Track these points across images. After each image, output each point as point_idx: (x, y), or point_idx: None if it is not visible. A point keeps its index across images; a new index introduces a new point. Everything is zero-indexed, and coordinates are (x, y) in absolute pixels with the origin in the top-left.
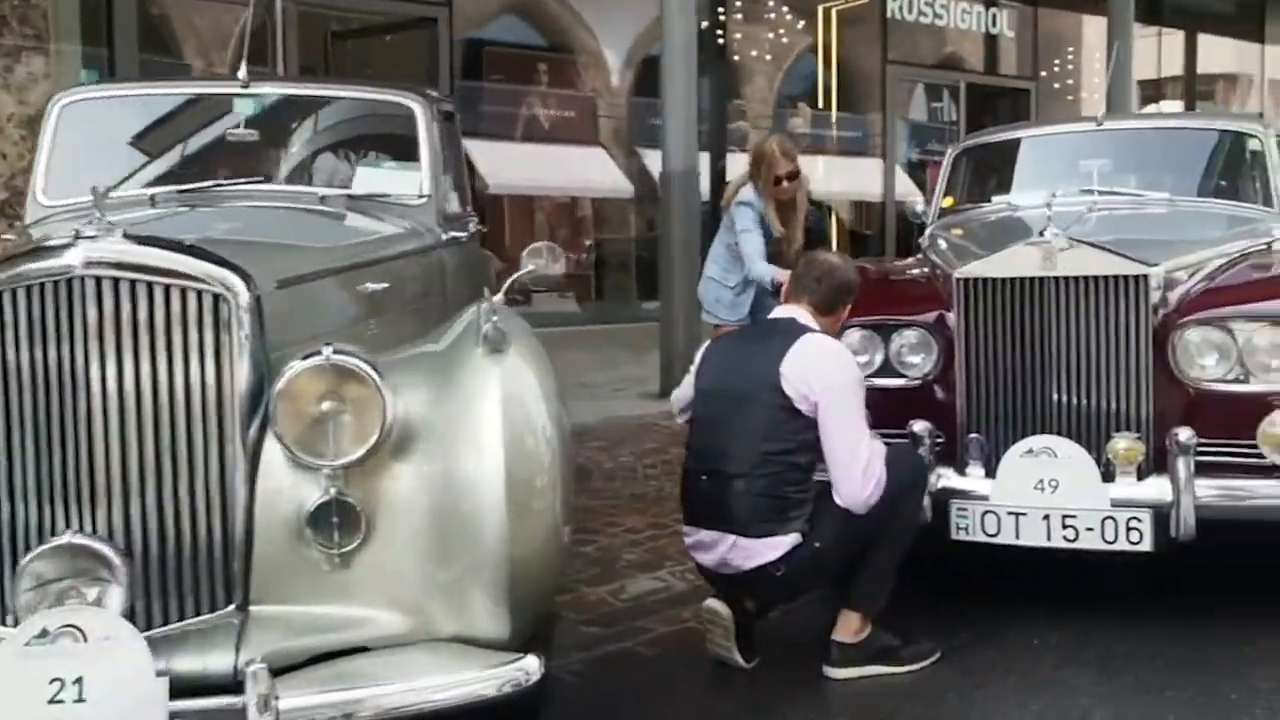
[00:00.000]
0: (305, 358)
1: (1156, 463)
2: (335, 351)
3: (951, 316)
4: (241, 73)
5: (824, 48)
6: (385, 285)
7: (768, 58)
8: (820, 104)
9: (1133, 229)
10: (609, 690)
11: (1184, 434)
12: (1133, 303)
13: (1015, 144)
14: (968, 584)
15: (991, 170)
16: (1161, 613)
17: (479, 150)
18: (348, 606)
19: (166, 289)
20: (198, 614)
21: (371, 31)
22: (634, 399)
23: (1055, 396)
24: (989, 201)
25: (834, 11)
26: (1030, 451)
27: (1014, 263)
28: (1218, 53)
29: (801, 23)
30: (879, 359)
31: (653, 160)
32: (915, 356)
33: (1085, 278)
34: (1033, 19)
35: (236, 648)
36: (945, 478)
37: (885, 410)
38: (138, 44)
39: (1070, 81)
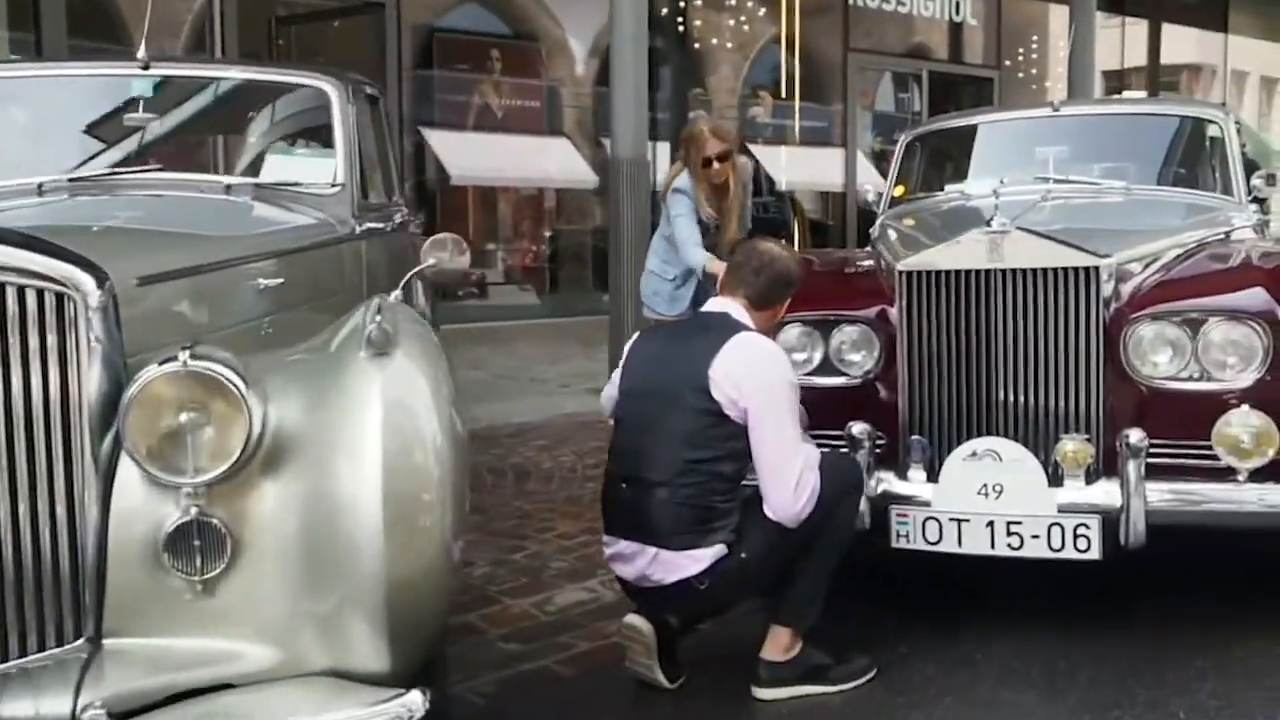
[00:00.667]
0: (161, 363)
1: (1107, 465)
2: (193, 356)
3: (894, 312)
4: (140, 53)
5: (787, 36)
6: (281, 280)
7: (729, 46)
8: (784, 93)
9: (1086, 218)
10: (520, 713)
11: (1134, 435)
12: (1083, 296)
13: (970, 131)
14: (908, 593)
15: (946, 158)
16: (1110, 623)
17: (441, 140)
18: (211, 639)
19: (2, 286)
20: (42, 649)
21: (320, 17)
22: (581, 394)
23: (1002, 396)
24: (942, 190)
25: None
26: (974, 455)
27: (958, 254)
28: (1181, 43)
29: (763, 10)
30: (818, 356)
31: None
32: (856, 354)
33: (1033, 270)
34: (997, 7)
35: (77, 688)
36: (885, 482)
37: (825, 410)
38: (75, 29)
39: (1034, 70)
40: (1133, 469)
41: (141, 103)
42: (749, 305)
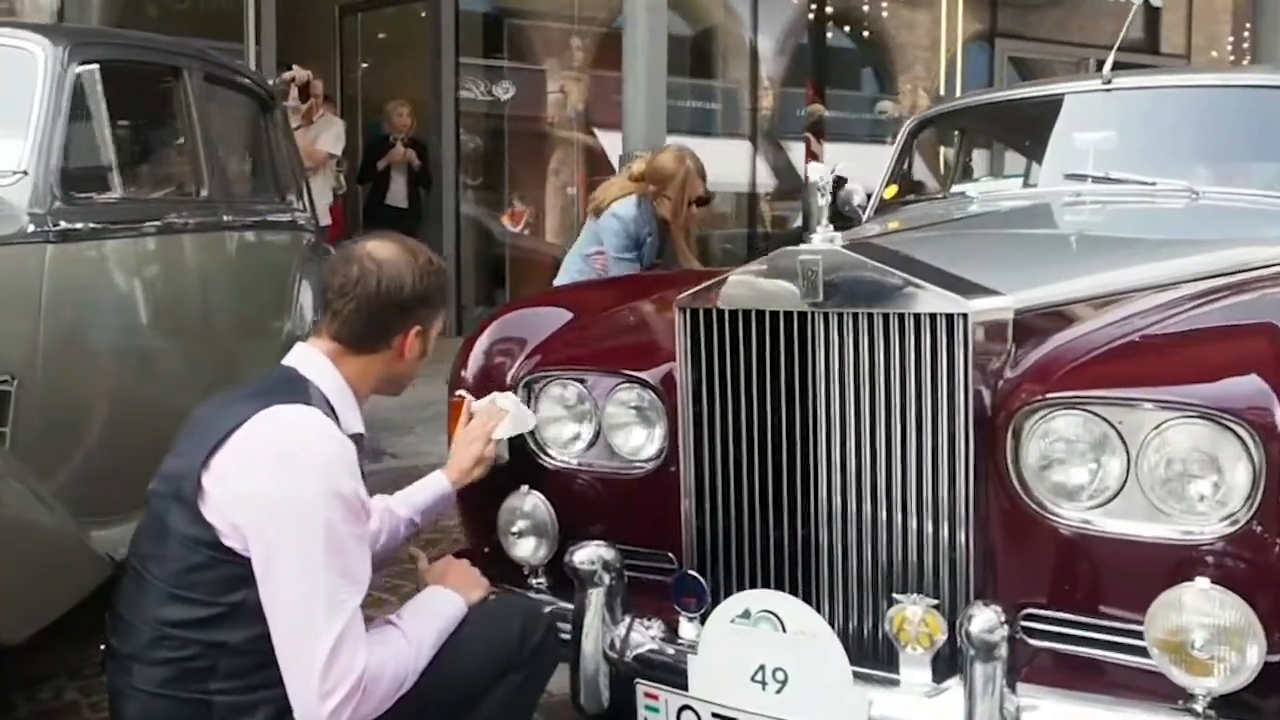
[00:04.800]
0: None
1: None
2: None
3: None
4: None
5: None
6: None
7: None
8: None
9: (1138, 228)
10: None
11: (984, 619)
12: (942, 360)
13: (991, 113)
14: None
15: (963, 148)
16: None
17: (608, 141)
18: None
19: None
20: None
21: None
22: None
23: (823, 513)
24: (948, 190)
25: None
26: (745, 615)
27: (755, 285)
28: None
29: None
30: (588, 432)
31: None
32: (626, 434)
33: (861, 315)
34: None
35: None
36: (641, 636)
37: (598, 515)
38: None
39: (1231, 57)
40: (980, 674)
41: None
42: (340, 348)
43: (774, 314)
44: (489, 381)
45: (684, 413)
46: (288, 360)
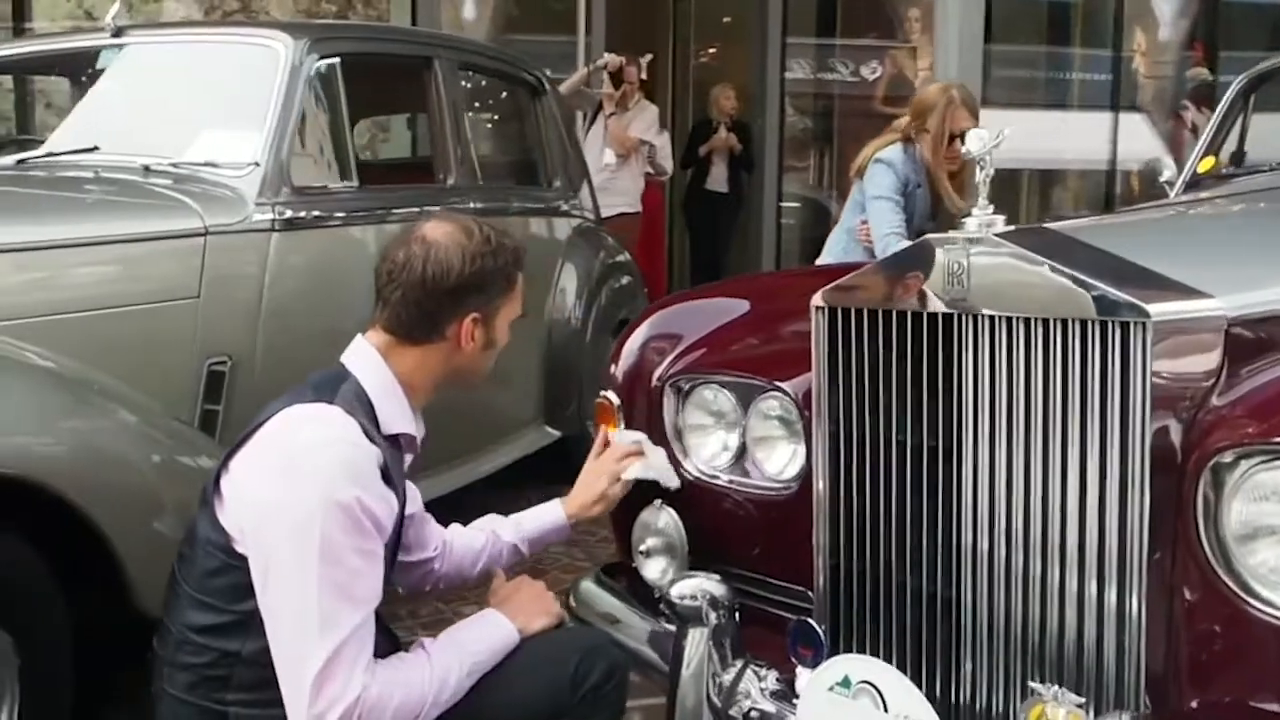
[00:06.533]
0: None
1: None
2: None
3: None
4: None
5: None
6: None
7: None
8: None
9: None
10: None
11: None
12: (1114, 380)
13: None
14: None
15: None
16: None
17: (992, 119)
18: None
19: None
20: None
21: None
22: None
23: (967, 567)
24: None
25: None
26: (845, 684)
27: (894, 277)
28: None
29: None
30: (735, 443)
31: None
32: (769, 450)
33: (1018, 320)
34: None
35: None
36: (751, 686)
37: (729, 540)
38: None
39: None
40: None
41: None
42: (392, 340)
43: (916, 315)
44: (639, 381)
45: (817, 430)
46: (349, 352)
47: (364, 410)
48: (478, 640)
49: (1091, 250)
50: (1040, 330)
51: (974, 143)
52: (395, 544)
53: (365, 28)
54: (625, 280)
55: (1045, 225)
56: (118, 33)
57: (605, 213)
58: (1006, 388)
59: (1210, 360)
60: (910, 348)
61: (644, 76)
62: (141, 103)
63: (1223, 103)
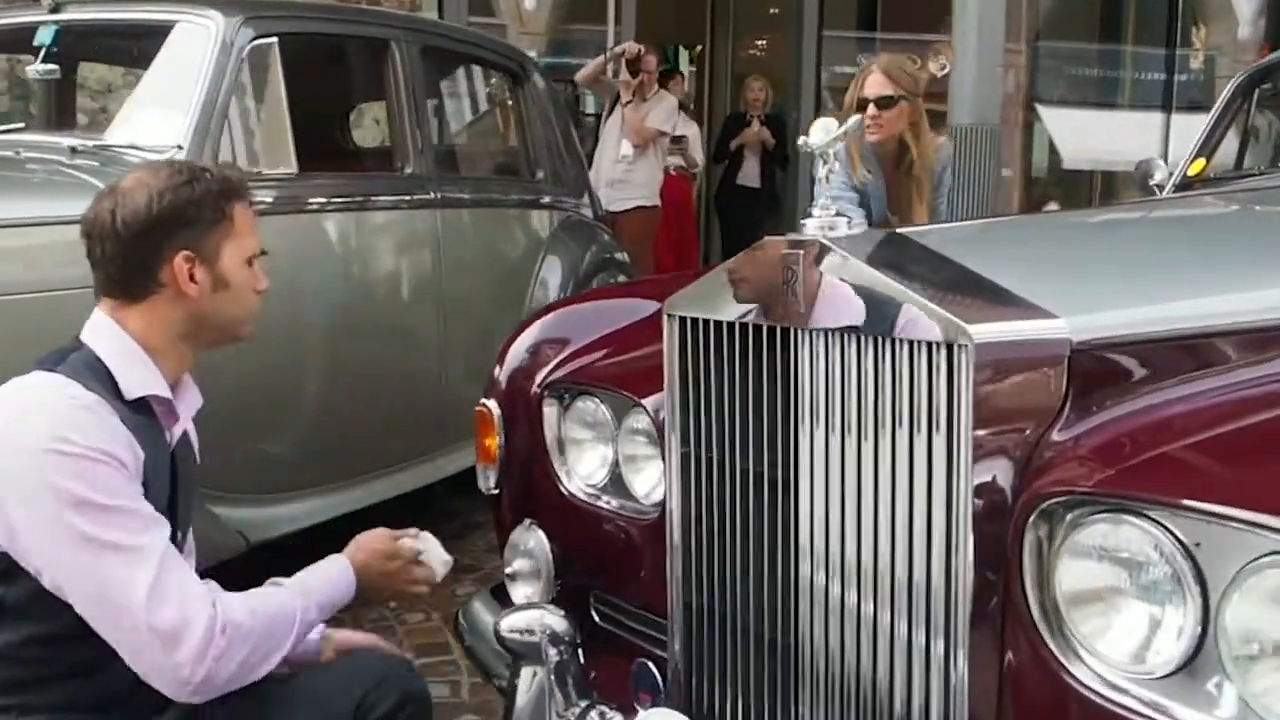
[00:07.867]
0: None
1: None
2: None
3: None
4: None
5: None
6: None
7: None
8: None
9: None
10: None
11: None
12: (940, 407)
13: None
14: None
15: None
16: None
17: (1054, 119)
18: None
19: None
20: None
21: None
22: None
23: (799, 596)
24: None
25: None
26: None
27: (730, 286)
28: None
29: None
30: (611, 460)
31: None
32: (636, 469)
33: (848, 335)
34: None
35: None
36: None
37: (594, 564)
38: None
39: None
40: None
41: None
42: (115, 302)
43: (757, 329)
44: (522, 389)
45: (669, 452)
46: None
47: (96, 377)
48: (310, 571)
49: (938, 260)
50: (870, 349)
51: (816, 133)
52: (171, 498)
53: (312, 6)
54: (618, 278)
55: (903, 231)
56: (56, 8)
57: (621, 206)
58: (840, 411)
59: (1048, 389)
60: (751, 364)
61: (693, 67)
62: (75, 81)
63: (1219, 102)
